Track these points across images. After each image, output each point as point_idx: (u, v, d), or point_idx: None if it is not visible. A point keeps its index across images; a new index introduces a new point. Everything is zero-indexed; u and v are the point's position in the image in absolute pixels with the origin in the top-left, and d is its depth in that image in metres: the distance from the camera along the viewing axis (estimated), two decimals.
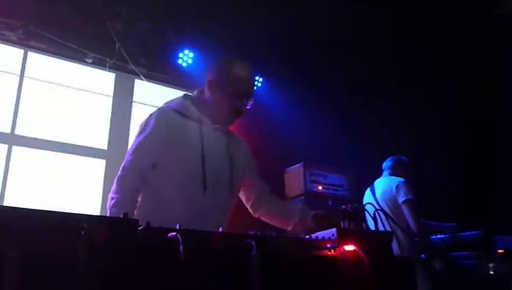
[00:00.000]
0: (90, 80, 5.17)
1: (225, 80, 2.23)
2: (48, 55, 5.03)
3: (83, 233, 1.01)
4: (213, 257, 1.25)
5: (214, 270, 1.24)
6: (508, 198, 4.86)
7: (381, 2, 5.02)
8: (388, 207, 3.98)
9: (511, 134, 5.31)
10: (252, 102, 2.29)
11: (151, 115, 2.22)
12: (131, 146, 2.16)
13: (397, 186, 4.00)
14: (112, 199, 2.00)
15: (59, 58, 5.09)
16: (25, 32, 4.72)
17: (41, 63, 5.00)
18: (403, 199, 3.94)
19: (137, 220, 1.17)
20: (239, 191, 2.37)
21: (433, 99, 5.59)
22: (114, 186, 2.04)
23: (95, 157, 4.86)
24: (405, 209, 3.93)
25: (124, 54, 5.12)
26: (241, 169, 2.31)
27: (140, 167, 2.08)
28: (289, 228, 2.35)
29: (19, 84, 4.69)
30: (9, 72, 4.67)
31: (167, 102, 2.34)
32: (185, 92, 2.39)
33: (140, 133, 2.17)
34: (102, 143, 4.95)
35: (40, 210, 1.04)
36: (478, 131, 5.59)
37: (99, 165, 4.86)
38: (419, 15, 5.17)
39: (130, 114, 5.22)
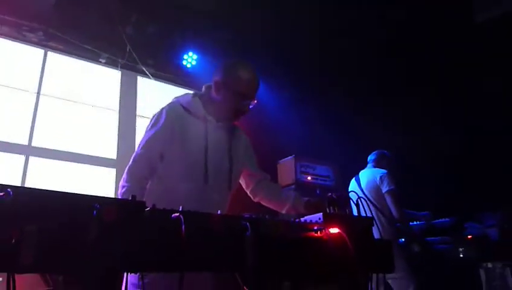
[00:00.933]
0: (100, 95, 5.14)
1: (231, 81, 2.18)
2: (65, 55, 5.00)
3: (95, 212, 1.02)
4: (212, 236, 1.26)
5: (213, 248, 1.25)
6: (478, 188, 4.89)
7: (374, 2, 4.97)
8: (372, 196, 4.01)
9: (476, 121, 5.25)
10: (255, 102, 2.25)
11: (162, 109, 2.20)
12: (143, 138, 2.15)
13: (381, 177, 4.03)
14: (123, 187, 1.99)
15: (75, 57, 5.06)
16: (45, 34, 4.70)
17: (60, 63, 4.98)
18: (386, 189, 3.96)
19: (144, 202, 1.17)
20: (236, 186, 2.35)
21: (416, 95, 5.56)
22: (124, 176, 2.03)
23: (105, 166, 4.85)
24: (388, 198, 3.95)
25: (134, 55, 5.10)
26: (240, 165, 2.30)
27: (149, 159, 2.08)
28: (283, 211, 2.38)
29: (36, 98, 4.65)
30: (26, 90, 4.64)
31: (177, 97, 2.32)
32: (194, 91, 2.37)
33: (151, 127, 2.16)
34: (111, 153, 4.94)
35: (57, 191, 1.04)
36: (454, 121, 5.53)
37: (110, 173, 4.85)
38: (411, 15, 5.12)
39: (135, 126, 5.21)
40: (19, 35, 4.61)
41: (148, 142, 2.11)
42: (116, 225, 1.07)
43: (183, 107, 2.21)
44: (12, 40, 4.63)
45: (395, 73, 5.64)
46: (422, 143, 5.52)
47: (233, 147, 2.27)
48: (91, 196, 1.07)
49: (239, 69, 2.21)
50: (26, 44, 4.72)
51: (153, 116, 2.20)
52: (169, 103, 2.26)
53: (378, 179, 4.04)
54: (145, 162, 2.06)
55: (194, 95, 2.30)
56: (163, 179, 2.09)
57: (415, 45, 5.36)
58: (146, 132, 2.17)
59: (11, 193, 0.92)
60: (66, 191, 1.03)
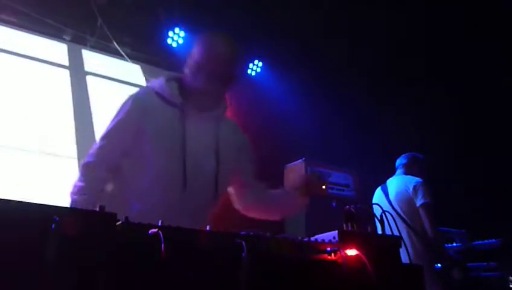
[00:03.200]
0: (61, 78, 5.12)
1: (199, 57, 2.15)
2: (21, 30, 5.01)
3: (53, 226, 1.02)
4: (198, 257, 1.26)
5: (198, 273, 1.25)
6: None
7: None
8: (402, 209, 4.00)
9: None
10: (237, 84, 2.26)
11: (130, 96, 2.20)
12: (104, 131, 2.15)
13: (415, 187, 4.01)
14: (75, 186, 2.00)
15: (33, 34, 5.06)
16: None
17: (12, 40, 4.97)
18: (421, 202, 3.95)
19: (115, 214, 1.18)
20: (225, 191, 2.34)
21: (450, 93, 5.61)
22: (79, 174, 2.05)
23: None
24: (422, 213, 3.94)
25: (107, 32, 5.11)
26: (230, 166, 2.26)
27: (109, 154, 2.09)
28: (278, 217, 2.47)
29: None
30: None
31: (151, 81, 2.31)
32: (170, 73, 2.37)
33: (114, 116, 2.16)
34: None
35: (5, 200, 1.04)
36: (491, 130, 5.64)
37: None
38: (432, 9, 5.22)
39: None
40: None
41: (108, 135, 2.12)
42: (79, 242, 1.08)
43: (156, 94, 2.19)
44: None
45: (425, 63, 5.68)
46: (457, 144, 5.55)
47: (221, 146, 2.24)
48: (48, 206, 1.08)
49: (208, 41, 2.21)
50: None
51: (120, 105, 2.21)
52: (140, 89, 2.28)
53: (411, 189, 4.02)
54: (103, 159, 2.07)
55: (170, 78, 2.28)
56: (129, 182, 2.09)
57: (445, 35, 5.43)
58: (109, 122, 2.18)
59: None
60: (17, 200, 1.03)
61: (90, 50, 5.30)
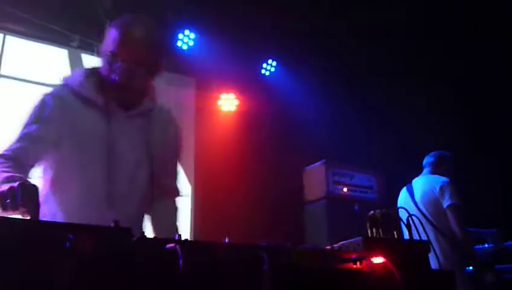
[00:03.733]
0: None
1: (113, 45, 1.91)
2: (28, 39, 5.08)
3: (67, 244, 1.03)
4: (218, 271, 1.26)
5: (219, 287, 1.25)
6: None
7: None
8: (429, 211, 3.96)
9: None
10: (158, 72, 2.04)
11: (45, 94, 1.98)
12: (20, 132, 1.92)
13: (441, 187, 3.97)
14: None
15: (40, 42, 5.13)
16: (1, 13, 4.78)
17: (21, 49, 5.05)
18: (448, 203, 3.91)
19: (130, 229, 1.18)
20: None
21: (476, 91, 5.58)
22: None
23: None
24: (450, 214, 3.90)
25: None
26: (167, 167, 2.17)
27: (19, 160, 1.85)
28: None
29: None
30: None
31: (66, 78, 2.07)
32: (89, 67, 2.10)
33: (26, 120, 1.94)
34: None
35: (18, 219, 1.06)
36: None
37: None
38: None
39: None
40: None
41: (25, 136, 1.89)
42: (95, 259, 1.08)
43: (75, 93, 1.98)
44: None
45: (446, 61, 5.65)
46: (483, 142, 5.50)
47: (155, 147, 2.10)
48: (62, 224, 1.09)
49: (119, 22, 1.98)
50: None
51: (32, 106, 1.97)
52: (54, 88, 2.04)
53: (437, 189, 3.98)
54: (11, 165, 1.81)
55: (88, 73, 2.04)
56: (53, 192, 1.93)
57: (465, 34, 5.40)
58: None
59: None
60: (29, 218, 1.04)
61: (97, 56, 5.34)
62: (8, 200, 1.43)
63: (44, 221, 1.08)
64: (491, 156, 5.51)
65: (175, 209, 2.23)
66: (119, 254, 1.13)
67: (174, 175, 2.25)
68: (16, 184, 1.47)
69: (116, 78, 1.89)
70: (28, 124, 1.92)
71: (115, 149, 1.96)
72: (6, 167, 1.74)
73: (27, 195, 1.44)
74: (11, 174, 1.66)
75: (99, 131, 1.95)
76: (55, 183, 1.93)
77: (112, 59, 1.90)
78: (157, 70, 2.03)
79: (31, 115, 1.94)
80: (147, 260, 1.17)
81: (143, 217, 2.12)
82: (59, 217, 1.86)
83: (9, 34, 5.01)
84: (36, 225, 1.08)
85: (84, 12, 5.04)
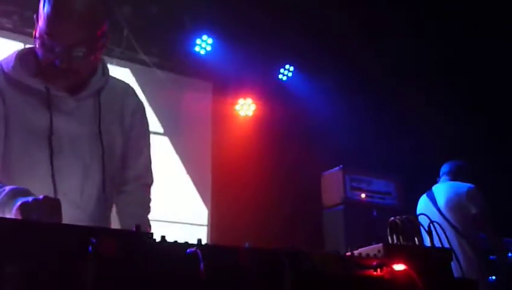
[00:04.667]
0: None
1: (46, 23, 1.66)
2: None
3: (90, 248, 1.04)
4: (238, 276, 1.26)
5: None
6: None
7: None
8: (454, 218, 3.93)
9: None
10: (103, 46, 1.81)
11: None
12: None
13: (468, 193, 3.94)
14: None
15: None
16: (21, 18, 4.85)
17: None
18: (478, 210, 3.88)
19: (151, 234, 1.19)
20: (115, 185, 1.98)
21: (494, 96, 5.52)
22: None
23: None
24: (480, 221, 3.88)
25: (133, 42, 5.19)
26: (117, 159, 1.95)
27: None
28: None
29: None
30: None
31: (2, 60, 1.84)
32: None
33: None
34: None
35: (44, 223, 1.07)
36: None
37: None
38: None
39: None
40: None
41: None
42: (117, 263, 1.09)
43: (9, 79, 1.78)
44: None
45: (469, 68, 5.60)
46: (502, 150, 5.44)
47: (104, 133, 1.87)
48: (84, 227, 1.09)
49: None
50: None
51: None
52: None
53: (465, 195, 3.95)
54: None
55: (22, 54, 1.82)
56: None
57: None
58: None
59: None
60: (53, 222, 1.05)
61: (115, 64, 5.39)
62: (34, 213, 1.40)
63: (67, 225, 1.09)
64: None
65: (142, 197, 2.05)
66: (140, 257, 1.14)
67: (138, 156, 2.03)
68: (40, 197, 1.44)
69: (57, 61, 1.67)
70: None
71: (55, 140, 1.76)
72: None
73: (52, 209, 1.41)
74: (11, 186, 1.59)
75: (39, 120, 1.76)
76: (5, 177, 1.74)
77: (47, 40, 1.66)
78: (102, 44, 1.79)
79: None
80: (167, 264, 1.17)
81: (106, 201, 1.92)
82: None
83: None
84: (60, 228, 1.09)
85: None
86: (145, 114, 2.09)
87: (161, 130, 5.51)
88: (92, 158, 1.83)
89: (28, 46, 1.92)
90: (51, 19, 1.64)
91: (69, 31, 1.65)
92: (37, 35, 1.70)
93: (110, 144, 1.89)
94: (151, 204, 2.10)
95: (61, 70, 1.70)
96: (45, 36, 1.66)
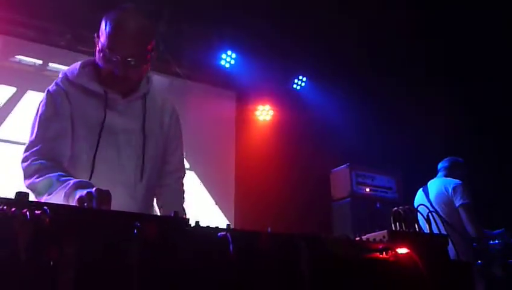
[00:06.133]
0: None
1: (107, 40, 1.79)
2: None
3: (135, 231, 1.05)
4: (262, 256, 1.26)
5: (263, 271, 1.25)
6: None
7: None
8: (442, 210, 3.90)
9: None
10: (152, 58, 1.91)
11: (49, 92, 1.90)
12: (34, 129, 1.84)
13: (454, 188, 3.91)
14: (25, 173, 1.76)
15: None
16: (74, 36, 4.90)
17: None
18: (460, 203, 3.84)
19: (187, 219, 1.19)
20: (154, 173, 2.00)
21: (491, 95, 5.39)
22: (22, 166, 1.79)
23: None
24: (462, 213, 3.84)
25: (168, 56, 5.22)
26: (157, 150, 2.01)
27: (55, 160, 1.78)
28: None
29: None
30: None
31: (65, 70, 1.96)
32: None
33: (34, 121, 1.86)
34: None
35: (95, 210, 1.08)
36: None
37: None
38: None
39: None
40: (45, 38, 4.84)
41: (32, 144, 1.80)
42: (157, 245, 1.10)
43: (73, 84, 1.89)
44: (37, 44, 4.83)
45: (467, 67, 5.48)
46: (495, 151, 5.33)
47: (148, 128, 1.96)
48: (130, 213, 1.10)
49: (111, 17, 1.82)
50: (53, 47, 4.93)
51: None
52: (56, 79, 1.94)
53: (450, 190, 3.92)
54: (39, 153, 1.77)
55: (85, 64, 1.95)
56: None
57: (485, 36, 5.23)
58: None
59: (48, 211, 0.97)
60: (105, 209, 1.06)
61: (153, 72, 5.42)
62: (86, 204, 1.44)
63: (115, 211, 1.10)
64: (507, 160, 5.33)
65: (178, 189, 2.10)
66: (178, 240, 1.15)
67: (174, 152, 2.10)
68: (92, 189, 1.48)
69: (116, 70, 1.80)
70: (44, 123, 1.83)
71: (105, 131, 1.84)
72: (59, 171, 1.69)
73: (102, 199, 1.44)
74: (76, 180, 1.63)
75: (96, 115, 1.86)
76: (72, 169, 1.81)
77: (108, 53, 1.78)
78: (151, 57, 1.91)
79: (45, 113, 1.85)
80: (201, 245, 1.18)
81: (150, 191, 1.98)
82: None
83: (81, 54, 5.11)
84: (109, 214, 1.10)
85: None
86: (178, 117, 2.18)
87: (191, 133, 5.53)
88: (140, 149, 1.92)
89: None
90: (111, 36, 1.77)
91: (125, 46, 1.79)
92: (99, 49, 1.82)
93: (153, 139, 1.97)
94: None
95: (119, 77, 1.82)
96: (106, 50, 1.78)
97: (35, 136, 1.81)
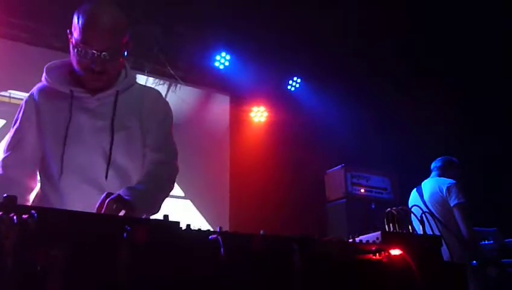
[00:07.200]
0: None
1: (78, 36, 1.74)
2: None
3: (125, 235, 1.03)
4: (254, 259, 1.25)
5: (255, 273, 1.24)
6: None
7: None
8: (437, 210, 3.89)
9: None
10: (126, 50, 1.87)
11: (23, 101, 1.92)
12: (8, 138, 1.89)
13: (448, 188, 3.89)
14: None
15: None
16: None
17: None
18: (455, 202, 3.83)
19: (178, 222, 1.18)
20: (124, 166, 1.91)
21: (483, 96, 5.40)
22: None
23: None
24: (456, 213, 3.83)
25: (162, 58, 5.20)
26: (132, 144, 1.92)
27: (16, 165, 1.82)
28: None
29: None
30: None
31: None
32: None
33: (13, 124, 1.90)
34: None
35: (84, 213, 1.07)
36: None
37: None
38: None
39: None
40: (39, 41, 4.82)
41: (10, 145, 1.86)
42: (148, 248, 1.09)
43: (40, 88, 1.91)
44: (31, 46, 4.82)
45: (459, 68, 5.50)
46: (494, 149, 5.33)
47: (118, 125, 1.87)
48: (120, 217, 1.09)
49: (81, 11, 1.76)
50: (49, 49, 4.91)
51: None
52: (38, 84, 1.94)
53: (444, 190, 3.91)
54: (8, 172, 1.82)
55: (54, 65, 1.92)
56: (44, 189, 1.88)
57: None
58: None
59: (36, 215, 0.96)
60: (94, 213, 1.05)
61: (147, 75, 5.40)
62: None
63: (105, 215, 1.09)
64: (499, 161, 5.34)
65: (149, 172, 1.90)
66: (168, 243, 1.14)
67: (151, 134, 1.96)
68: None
69: (93, 65, 1.74)
70: (12, 133, 1.88)
71: (70, 131, 1.81)
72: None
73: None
74: None
75: (62, 116, 1.82)
76: (44, 171, 1.87)
77: (82, 48, 1.73)
78: (126, 49, 1.86)
79: (14, 123, 1.89)
80: (192, 249, 1.17)
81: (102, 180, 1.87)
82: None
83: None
84: (99, 218, 1.09)
85: (136, 36, 5.08)
86: (162, 103, 2.07)
87: (186, 134, 5.51)
88: (108, 146, 1.84)
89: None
90: (85, 30, 1.72)
91: (100, 39, 1.73)
92: (73, 44, 1.76)
93: (124, 135, 1.88)
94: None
95: (96, 72, 1.77)
96: (81, 44, 1.73)
97: (5, 146, 1.87)
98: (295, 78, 6.18)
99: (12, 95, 4.49)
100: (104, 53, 1.73)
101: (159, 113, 2.01)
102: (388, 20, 5.03)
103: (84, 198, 1.76)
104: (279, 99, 6.07)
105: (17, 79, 4.43)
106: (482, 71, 5.44)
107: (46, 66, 1.90)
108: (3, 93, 4.53)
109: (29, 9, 4.60)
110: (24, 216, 0.94)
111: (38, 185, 1.92)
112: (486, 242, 4.35)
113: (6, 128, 4.33)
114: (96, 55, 1.73)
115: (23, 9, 4.55)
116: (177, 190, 5.02)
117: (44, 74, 1.88)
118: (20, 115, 1.88)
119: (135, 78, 2.04)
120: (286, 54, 5.75)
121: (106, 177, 1.83)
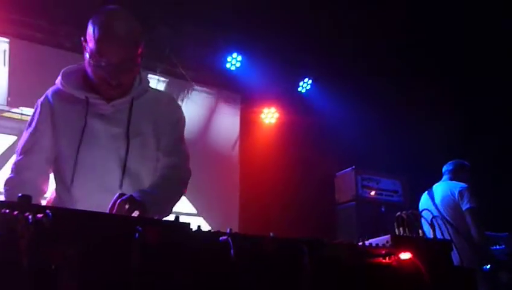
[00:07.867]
0: None
1: (94, 45, 1.72)
2: None
3: (137, 235, 1.05)
4: (264, 261, 1.26)
5: (265, 275, 1.25)
6: None
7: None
8: (448, 214, 3.87)
9: None
10: (141, 59, 1.85)
11: (38, 102, 1.93)
12: (22, 141, 1.90)
13: (460, 192, 3.87)
14: (6, 179, 1.85)
15: None
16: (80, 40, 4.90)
17: None
18: (467, 207, 3.81)
19: (188, 223, 1.19)
20: (139, 171, 1.91)
21: (499, 96, 5.34)
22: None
23: None
24: (468, 217, 3.80)
25: (174, 59, 5.23)
26: (147, 150, 1.92)
27: (30, 168, 1.85)
28: None
29: None
30: None
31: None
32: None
33: (27, 126, 1.92)
34: None
35: (98, 213, 1.08)
36: None
37: None
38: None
39: None
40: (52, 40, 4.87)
41: (24, 148, 1.87)
42: (159, 248, 1.10)
43: (55, 92, 1.91)
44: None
45: (472, 68, 5.45)
46: (504, 151, 5.28)
47: (133, 132, 1.88)
48: (132, 217, 1.11)
49: (97, 20, 1.74)
50: (59, 49, 4.96)
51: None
52: (49, 89, 1.94)
53: (457, 193, 3.88)
54: (23, 174, 1.84)
55: (69, 71, 1.92)
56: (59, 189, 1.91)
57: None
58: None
59: (50, 214, 0.97)
60: (107, 213, 1.07)
61: (159, 75, 5.43)
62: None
63: (118, 216, 1.11)
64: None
65: (163, 175, 1.91)
66: (179, 244, 1.15)
67: (165, 137, 1.96)
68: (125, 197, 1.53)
69: (108, 78, 1.73)
70: (25, 136, 1.89)
71: (85, 137, 1.82)
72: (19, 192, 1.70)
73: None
74: None
75: (77, 122, 1.82)
76: (57, 174, 1.90)
77: (97, 58, 1.72)
78: (141, 58, 1.85)
79: (28, 126, 1.91)
80: (202, 250, 1.18)
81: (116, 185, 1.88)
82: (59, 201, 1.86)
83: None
84: (111, 219, 1.10)
85: (148, 38, 5.11)
86: (175, 106, 2.10)
87: (196, 134, 5.53)
88: (123, 153, 1.86)
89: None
90: (100, 41, 1.70)
91: (116, 51, 1.72)
92: (88, 53, 1.75)
93: (139, 141, 1.89)
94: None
95: (113, 86, 1.77)
96: (96, 55, 1.71)
97: (19, 148, 1.89)
98: (306, 80, 6.17)
99: (24, 112, 4.51)
100: (119, 65, 1.73)
101: (172, 117, 2.02)
102: (404, 24, 5.01)
103: (97, 204, 1.66)
104: (290, 100, 6.07)
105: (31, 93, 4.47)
106: (496, 75, 5.39)
107: (62, 70, 1.90)
108: (14, 110, 4.57)
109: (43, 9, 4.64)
110: (39, 215, 0.96)
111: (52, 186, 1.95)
112: (497, 247, 4.31)
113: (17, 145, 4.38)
114: (112, 67, 1.72)
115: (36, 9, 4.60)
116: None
117: (60, 78, 1.88)
118: (36, 117, 1.89)
119: (149, 84, 2.03)
120: (297, 56, 5.74)
121: (121, 186, 1.84)
